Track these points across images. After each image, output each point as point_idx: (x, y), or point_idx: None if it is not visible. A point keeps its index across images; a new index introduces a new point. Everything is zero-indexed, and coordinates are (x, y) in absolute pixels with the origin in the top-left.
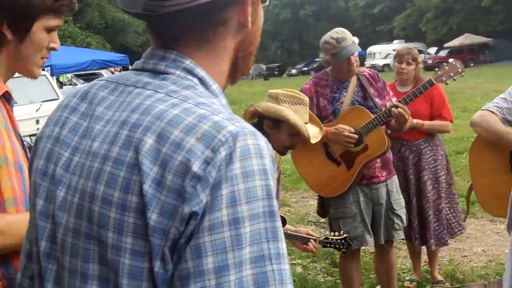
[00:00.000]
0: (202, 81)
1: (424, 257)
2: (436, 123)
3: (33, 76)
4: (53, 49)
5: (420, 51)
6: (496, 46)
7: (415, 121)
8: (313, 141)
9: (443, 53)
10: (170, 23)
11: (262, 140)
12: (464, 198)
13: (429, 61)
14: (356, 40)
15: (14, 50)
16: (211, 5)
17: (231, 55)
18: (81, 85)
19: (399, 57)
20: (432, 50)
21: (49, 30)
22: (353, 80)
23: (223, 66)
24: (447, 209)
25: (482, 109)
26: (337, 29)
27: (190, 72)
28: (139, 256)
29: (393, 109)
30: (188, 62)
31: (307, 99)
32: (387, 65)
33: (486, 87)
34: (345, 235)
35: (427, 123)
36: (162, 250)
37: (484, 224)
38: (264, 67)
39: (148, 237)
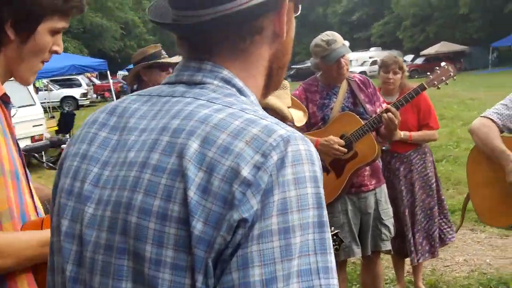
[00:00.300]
0: (240, 91)
1: (406, 267)
2: (423, 133)
3: (26, 82)
4: (56, 52)
5: None
6: (472, 54)
7: (402, 133)
8: (298, 124)
9: (419, 61)
10: (205, 32)
11: (312, 146)
12: None
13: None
14: (346, 43)
15: (15, 51)
16: (249, 11)
17: (265, 66)
18: (109, 103)
19: (385, 66)
20: (409, 57)
21: (54, 32)
22: (343, 85)
23: (258, 78)
24: (438, 216)
25: (482, 116)
26: (327, 32)
27: (228, 82)
28: (181, 271)
29: (384, 114)
30: (226, 72)
31: (286, 82)
32: (364, 72)
33: (462, 95)
34: (336, 231)
35: (414, 134)
36: (205, 263)
37: (464, 233)
38: None
39: (192, 249)
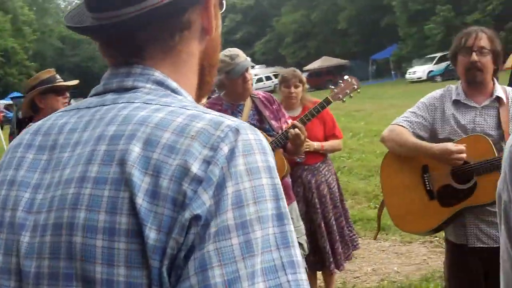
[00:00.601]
0: (176, 91)
1: (317, 282)
2: (332, 142)
3: None
4: None
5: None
6: (352, 67)
7: (315, 144)
8: None
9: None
10: (131, 32)
11: (262, 136)
12: None
13: None
14: (248, 58)
15: None
16: (176, 4)
17: (197, 64)
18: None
19: (285, 81)
20: None
21: None
22: (248, 103)
23: (191, 77)
24: (345, 225)
25: (392, 124)
26: (229, 48)
27: (161, 83)
28: None
29: (291, 130)
30: (157, 74)
31: None
32: None
33: (348, 107)
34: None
35: (325, 144)
36: (160, 274)
37: (369, 243)
38: None
39: (147, 262)
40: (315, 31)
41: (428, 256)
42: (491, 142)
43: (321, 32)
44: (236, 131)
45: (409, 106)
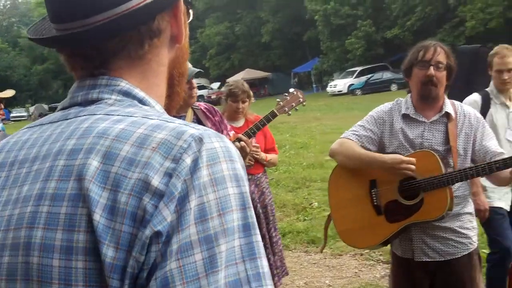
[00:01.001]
0: (142, 101)
1: None
2: (272, 156)
3: None
4: None
5: (204, 87)
6: (275, 80)
7: (263, 154)
8: None
9: (225, 88)
10: (99, 42)
11: (230, 143)
12: None
13: (213, 96)
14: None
15: None
16: (144, 11)
17: (166, 73)
18: None
19: (234, 95)
20: (215, 85)
21: None
22: (189, 114)
23: (161, 87)
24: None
25: (341, 137)
26: None
27: (127, 94)
28: None
29: (236, 143)
30: (123, 84)
31: None
32: None
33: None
34: None
35: (269, 156)
36: None
37: (299, 256)
38: (46, 107)
39: (106, 281)
40: (239, 44)
41: (359, 269)
42: (439, 158)
43: (244, 44)
44: (200, 140)
45: (332, 119)
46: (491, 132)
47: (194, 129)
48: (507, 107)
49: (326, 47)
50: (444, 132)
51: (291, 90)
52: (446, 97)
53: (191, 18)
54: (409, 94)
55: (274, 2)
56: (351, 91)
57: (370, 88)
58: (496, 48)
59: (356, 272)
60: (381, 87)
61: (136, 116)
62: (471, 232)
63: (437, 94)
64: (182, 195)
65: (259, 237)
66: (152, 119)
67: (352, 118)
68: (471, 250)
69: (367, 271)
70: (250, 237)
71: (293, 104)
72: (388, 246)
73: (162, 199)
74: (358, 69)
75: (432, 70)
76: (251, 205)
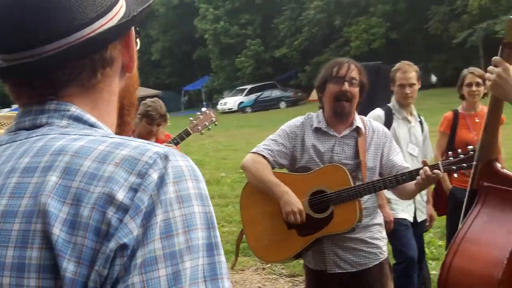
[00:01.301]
0: (95, 126)
1: None
2: None
3: None
4: None
5: None
6: (165, 98)
7: None
8: None
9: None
10: (50, 72)
11: (193, 163)
12: None
13: None
14: None
15: None
16: (96, 40)
17: (117, 103)
18: None
19: (150, 117)
20: None
21: None
22: None
23: (112, 116)
24: None
25: (253, 152)
26: None
27: (79, 119)
28: None
29: None
30: (73, 109)
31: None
32: None
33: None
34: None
35: None
36: None
37: None
38: None
39: None
40: None
41: (262, 283)
42: (347, 172)
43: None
44: (165, 158)
45: (224, 136)
46: (398, 147)
47: (158, 147)
48: (409, 121)
49: (216, 65)
50: (354, 147)
51: (204, 109)
52: (356, 112)
53: (138, 47)
54: (321, 110)
55: (164, 21)
56: (241, 108)
57: (260, 106)
58: (398, 64)
59: (259, 287)
60: (270, 105)
61: (95, 136)
62: (381, 242)
63: (350, 110)
64: (149, 209)
65: (223, 258)
66: (112, 137)
67: (243, 135)
68: (382, 259)
69: (270, 285)
70: (214, 257)
71: (206, 123)
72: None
73: (128, 212)
74: (248, 87)
75: (347, 86)
76: (216, 226)
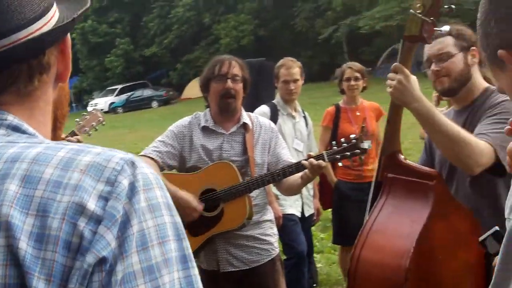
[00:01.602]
0: (35, 137)
1: None
2: None
3: None
4: None
5: None
6: None
7: None
8: None
9: None
10: None
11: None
12: None
13: None
14: None
15: None
16: (35, 43)
17: (51, 113)
18: None
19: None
20: None
21: None
22: None
23: (47, 126)
24: None
25: (142, 155)
26: None
27: (17, 129)
28: None
29: None
30: (11, 118)
31: None
32: None
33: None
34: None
35: None
36: None
37: None
38: None
39: None
40: None
41: None
42: (236, 169)
43: None
44: (132, 164)
45: (98, 138)
46: (284, 142)
47: (122, 154)
48: (293, 117)
49: (85, 65)
50: (242, 143)
51: (90, 109)
52: (242, 108)
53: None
54: (208, 109)
55: None
56: (112, 109)
57: (131, 106)
58: (281, 61)
59: None
60: (142, 104)
61: (48, 143)
62: (273, 239)
63: (235, 107)
64: (124, 219)
65: (196, 270)
66: (69, 145)
67: (116, 137)
68: (274, 256)
69: None
70: (188, 270)
71: (94, 123)
72: None
73: (101, 223)
74: (119, 87)
75: (229, 83)
76: (186, 236)
